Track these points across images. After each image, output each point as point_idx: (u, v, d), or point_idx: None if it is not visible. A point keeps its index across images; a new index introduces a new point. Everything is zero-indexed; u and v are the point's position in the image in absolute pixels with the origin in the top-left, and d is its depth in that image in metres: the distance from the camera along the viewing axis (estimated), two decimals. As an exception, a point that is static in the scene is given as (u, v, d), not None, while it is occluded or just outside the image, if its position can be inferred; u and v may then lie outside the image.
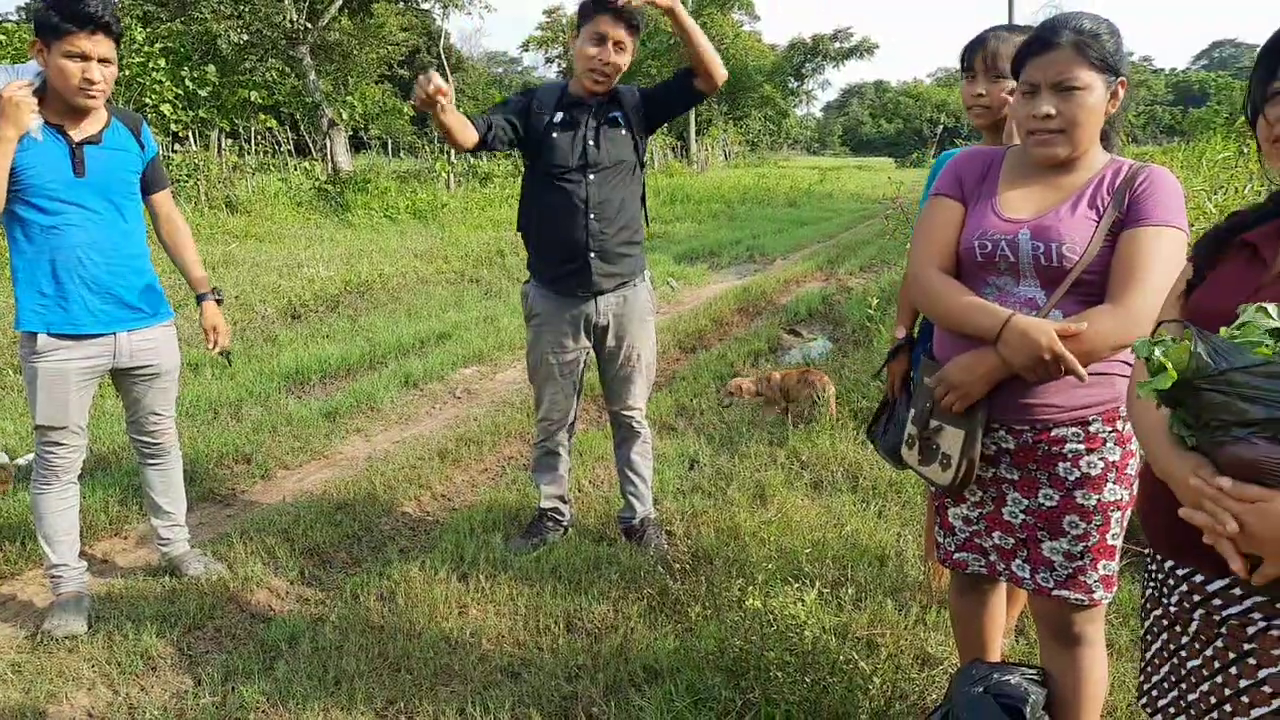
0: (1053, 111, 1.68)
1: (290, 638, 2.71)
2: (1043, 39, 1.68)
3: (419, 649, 2.62)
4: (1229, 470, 1.11)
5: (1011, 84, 2.10)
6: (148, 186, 2.88)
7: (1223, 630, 1.27)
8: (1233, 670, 1.26)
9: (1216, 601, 1.29)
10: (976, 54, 2.28)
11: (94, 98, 2.60)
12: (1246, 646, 1.24)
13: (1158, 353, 1.14)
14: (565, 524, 3.40)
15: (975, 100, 2.33)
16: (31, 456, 3.42)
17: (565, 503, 3.40)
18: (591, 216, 3.01)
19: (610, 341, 3.16)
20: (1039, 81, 1.68)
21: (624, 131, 3.04)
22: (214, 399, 5.06)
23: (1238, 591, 1.26)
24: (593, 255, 3.03)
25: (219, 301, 3.04)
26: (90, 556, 3.21)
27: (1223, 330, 1.14)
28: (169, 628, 2.76)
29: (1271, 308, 1.12)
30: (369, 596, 2.92)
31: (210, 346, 3.00)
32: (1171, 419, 1.21)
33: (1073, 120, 1.68)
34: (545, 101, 3.04)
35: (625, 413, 3.28)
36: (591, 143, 2.98)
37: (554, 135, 2.99)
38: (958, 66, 2.45)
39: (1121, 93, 1.71)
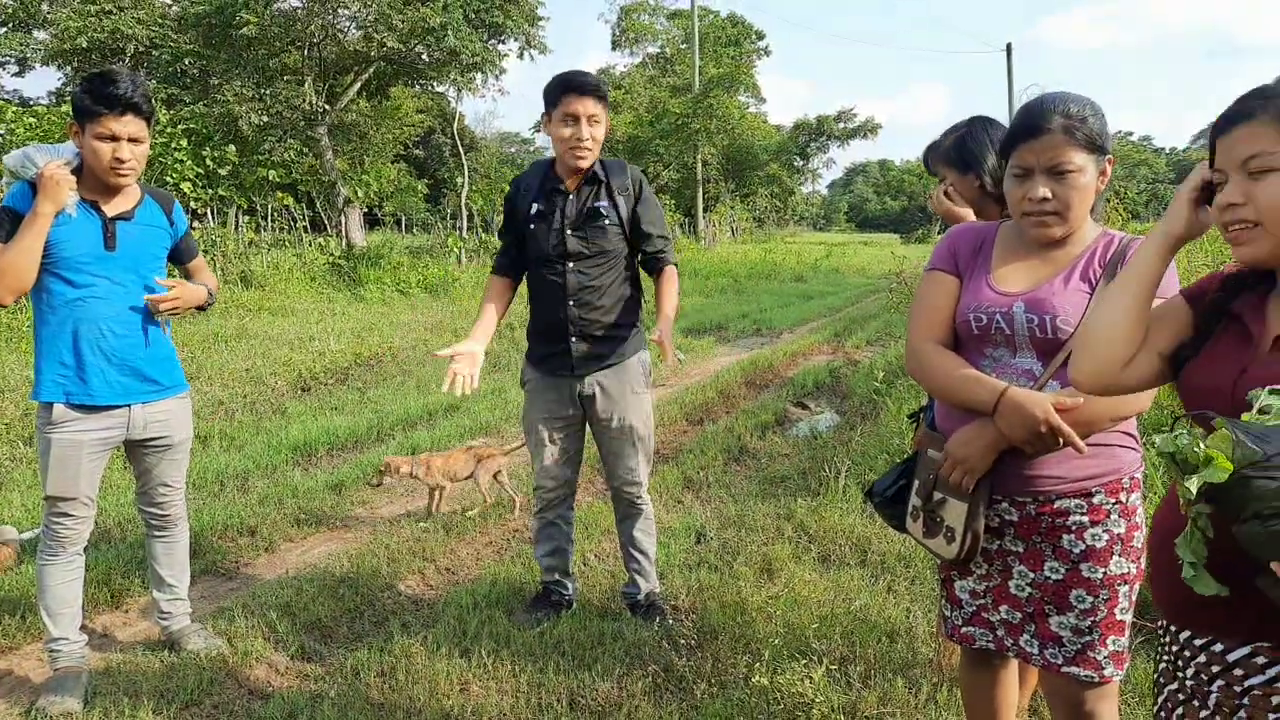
0: (1049, 194, 1.71)
1: (288, 716, 2.66)
2: (1032, 125, 1.70)
3: (419, 727, 2.57)
4: None
5: (946, 177, 2.39)
6: (183, 257, 3.00)
7: (1245, 701, 1.25)
8: None
9: (1238, 671, 1.26)
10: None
11: (124, 175, 2.70)
12: (1272, 717, 1.21)
13: (1201, 447, 1.08)
14: (569, 598, 3.35)
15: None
16: (37, 530, 3.43)
17: (568, 576, 3.36)
18: (571, 303, 3.03)
19: (601, 414, 3.14)
20: (1032, 165, 1.71)
21: (609, 222, 3.05)
22: (221, 471, 5.07)
23: (1260, 660, 1.24)
24: (573, 339, 3.06)
25: (210, 300, 2.94)
26: (90, 630, 3.18)
27: (1245, 416, 1.12)
28: (166, 704, 2.71)
29: None
30: (369, 673, 2.87)
31: (166, 290, 2.79)
32: (1193, 523, 1.15)
33: (1067, 202, 1.71)
34: (529, 184, 3.10)
35: (626, 489, 3.24)
36: (570, 233, 3.02)
37: (531, 226, 3.05)
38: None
39: (1109, 169, 1.76)
